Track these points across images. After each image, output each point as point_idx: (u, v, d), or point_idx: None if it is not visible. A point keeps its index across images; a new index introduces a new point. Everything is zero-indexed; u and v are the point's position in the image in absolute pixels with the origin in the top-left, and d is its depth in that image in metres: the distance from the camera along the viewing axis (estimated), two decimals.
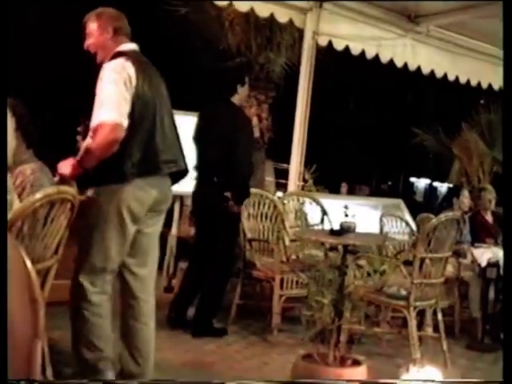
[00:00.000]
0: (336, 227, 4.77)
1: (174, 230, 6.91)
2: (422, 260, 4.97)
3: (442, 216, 5.25)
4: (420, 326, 5.45)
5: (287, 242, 5.88)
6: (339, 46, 6.97)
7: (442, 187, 32.65)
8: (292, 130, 6.88)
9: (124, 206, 3.65)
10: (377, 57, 7.26)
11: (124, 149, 3.59)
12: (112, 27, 3.86)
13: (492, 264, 5.87)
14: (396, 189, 32.85)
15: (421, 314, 5.44)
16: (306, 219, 5.24)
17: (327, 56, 7.69)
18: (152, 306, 3.93)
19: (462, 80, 8.03)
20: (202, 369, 4.50)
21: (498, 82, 8.13)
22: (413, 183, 38.09)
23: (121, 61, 3.71)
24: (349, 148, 27.33)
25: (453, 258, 5.84)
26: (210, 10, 8.07)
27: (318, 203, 6.52)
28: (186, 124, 6.27)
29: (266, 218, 6.21)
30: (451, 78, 7.90)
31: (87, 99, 3.72)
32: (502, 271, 5.77)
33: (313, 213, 6.41)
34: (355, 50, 7.06)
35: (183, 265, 6.32)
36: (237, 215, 5.45)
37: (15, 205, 3.09)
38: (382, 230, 6.35)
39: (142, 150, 3.67)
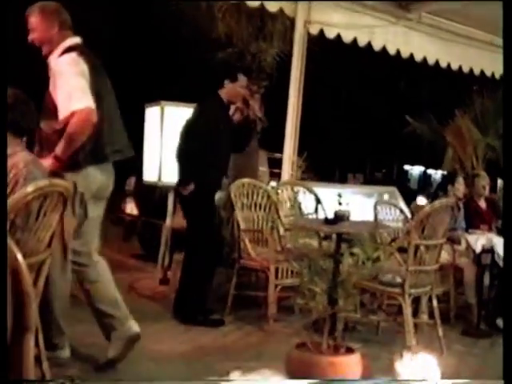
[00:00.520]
0: (330, 216, 4.77)
1: (168, 222, 6.89)
2: (417, 247, 4.98)
3: (436, 203, 5.25)
4: (415, 312, 5.47)
5: (282, 232, 5.88)
6: (331, 34, 6.95)
7: (437, 174, 32.73)
8: (285, 119, 6.87)
9: (77, 192, 3.93)
10: (369, 44, 7.24)
11: None
12: (57, 22, 4.04)
13: (486, 250, 5.87)
14: (390, 176, 32.92)
15: (416, 301, 5.45)
16: (300, 208, 5.24)
17: (319, 44, 7.67)
18: (101, 265, 4.19)
19: (454, 67, 8.02)
20: (198, 360, 4.50)
21: (490, 69, 8.13)
22: (407, 171, 38.16)
23: (74, 55, 3.93)
24: (342, 136, 27.31)
25: (447, 244, 5.85)
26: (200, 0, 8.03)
27: (312, 192, 6.52)
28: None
29: (260, 207, 6.21)
30: (443, 64, 7.89)
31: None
32: (496, 257, 5.78)
33: (307, 202, 6.41)
34: (347, 37, 7.04)
35: (178, 257, 6.32)
36: (191, 200, 5.55)
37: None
38: (376, 217, 6.34)
39: (92, 141, 3.93)
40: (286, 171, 6.89)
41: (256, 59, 8.24)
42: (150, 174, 7.18)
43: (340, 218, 4.53)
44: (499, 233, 6.03)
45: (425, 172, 37.76)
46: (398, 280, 4.98)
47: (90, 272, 4.16)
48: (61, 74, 3.87)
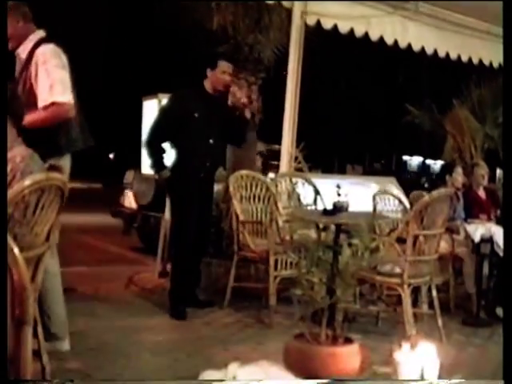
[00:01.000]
0: (329, 207, 4.77)
1: (167, 215, 6.88)
2: (416, 237, 4.98)
3: (435, 193, 5.25)
4: (415, 303, 5.47)
5: (280, 223, 5.88)
6: (328, 24, 6.92)
7: (436, 164, 32.72)
8: (283, 110, 6.85)
9: None
10: (366, 35, 7.21)
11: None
12: (21, 15, 4.10)
13: (485, 239, 5.87)
14: (389, 167, 32.94)
15: (415, 291, 5.45)
16: (298, 200, 5.25)
17: (316, 35, 7.63)
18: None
19: (453, 56, 7.98)
20: (197, 352, 4.50)
21: (488, 58, 8.10)
22: (406, 161, 38.17)
23: (53, 46, 4.07)
24: (341, 127, 27.31)
25: (446, 234, 5.84)
26: None
27: (311, 183, 6.52)
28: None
29: (259, 199, 6.20)
30: (441, 54, 7.85)
31: None
32: (495, 246, 5.78)
33: (305, 193, 6.41)
34: (344, 28, 7.01)
35: None
36: (168, 187, 5.75)
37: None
38: (375, 208, 6.34)
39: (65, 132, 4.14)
40: (285, 163, 6.87)
41: (253, 51, 8.20)
42: (148, 167, 7.16)
43: (339, 208, 4.54)
44: (498, 222, 6.03)
45: (423, 162, 37.77)
46: (397, 270, 4.98)
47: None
48: (43, 63, 4.01)
